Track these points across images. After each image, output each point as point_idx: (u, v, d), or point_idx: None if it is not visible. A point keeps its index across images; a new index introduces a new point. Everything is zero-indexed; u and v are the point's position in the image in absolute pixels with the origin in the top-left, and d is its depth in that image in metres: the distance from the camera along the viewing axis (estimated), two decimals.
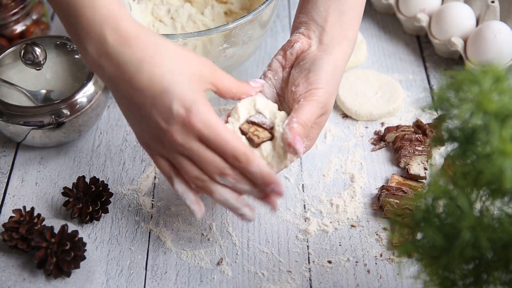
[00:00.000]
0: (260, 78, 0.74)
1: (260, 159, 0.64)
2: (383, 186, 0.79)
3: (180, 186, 0.66)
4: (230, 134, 0.63)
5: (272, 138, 0.69)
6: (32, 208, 0.72)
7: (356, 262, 0.73)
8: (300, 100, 0.68)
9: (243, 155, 0.63)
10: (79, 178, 0.77)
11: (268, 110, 0.70)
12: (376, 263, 0.73)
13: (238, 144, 0.63)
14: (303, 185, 0.81)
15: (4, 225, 0.71)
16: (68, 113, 0.81)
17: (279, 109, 0.72)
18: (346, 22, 0.72)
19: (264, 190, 0.65)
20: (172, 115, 0.61)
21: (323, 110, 0.69)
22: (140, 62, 0.61)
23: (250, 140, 0.68)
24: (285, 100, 0.73)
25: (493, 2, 0.90)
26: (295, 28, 0.75)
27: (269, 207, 0.66)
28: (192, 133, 0.62)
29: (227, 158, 0.63)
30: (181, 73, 0.62)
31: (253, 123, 0.69)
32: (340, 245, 0.75)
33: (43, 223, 0.72)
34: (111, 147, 0.86)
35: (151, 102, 0.62)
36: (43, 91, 0.83)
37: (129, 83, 0.62)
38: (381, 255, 0.74)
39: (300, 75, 0.71)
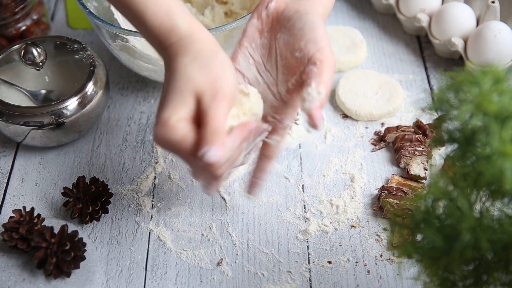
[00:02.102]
0: (235, 48, 0.70)
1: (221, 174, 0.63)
2: (383, 186, 0.79)
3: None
4: (188, 153, 0.61)
5: None
6: (32, 208, 0.72)
7: (356, 262, 0.73)
8: (316, 63, 0.65)
9: (206, 169, 0.62)
10: (79, 178, 0.77)
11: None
12: (376, 264, 0.73)
13: (198, 161, 0.61)
14: (303, 185, 0.81)
15: (4, 225, 0.71)
16: (68, 113, 0.81)
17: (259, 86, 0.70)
18: None
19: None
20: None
21: (333, 69, 0.67)
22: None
23: None
24: (266, 68, 0.70)
25: (493, 2, 0.90)
26: None
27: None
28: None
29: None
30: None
31: None
32: (340, 245, 0.75)
33: (43, 223, 0.72)
34: (111, 147, 0.86)
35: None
36: (43, 91, 0.83)
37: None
38: (381, 256, 0.74)
39: (295, 38, 0.66)
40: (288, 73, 0.69)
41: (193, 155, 0.61)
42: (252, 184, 0.75)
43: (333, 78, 0.90)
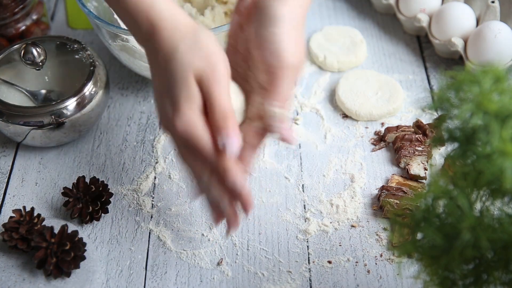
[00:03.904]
0: (225, 47, 0.69)
1: (236, 170, 0.62)
2: (383, 186, 0.79)
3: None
4: (207, 148, 0.61)
5: None
6: (32, 208, 0.72)
7: (356, 262, 0.73)
8: (269, 71, 0.63)
9: (220, 169, 0.62)
10: (79, 178, 0.77)
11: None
12: (376, 263, 0.73)
13: (216, 157, 0.62)
14: (303, 185, 0.81)
15: (4, 225, 0.71)
16: (68, 113, 0.81)
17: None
18: None
19: (233, 200, 0.65)
20: (160, 111, 0.63)
21: (297, 71, 0.64)
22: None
23: None
24: (253, 63, 0.66)
25: (493, 2, 0.90)
26: None
27: (230, 225, 0.67)
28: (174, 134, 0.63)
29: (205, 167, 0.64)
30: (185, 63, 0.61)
31: None
32: (340, 245, 0.75)
33: (43, 223, 0.72)
34: (111, 147, 0.86)
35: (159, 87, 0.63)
36: (43, 91, 0.83)
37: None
38: (381, 255, 0.74)
39: (255, 34, 0.64)
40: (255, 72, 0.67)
41: (212, 151, 0.61)
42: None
43: (332, 78, 0.91)
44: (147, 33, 0.64)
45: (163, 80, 0.63)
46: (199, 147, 0.62)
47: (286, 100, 0.64)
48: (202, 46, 0.62)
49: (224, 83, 0.62)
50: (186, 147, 0.63)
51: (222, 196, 0.65)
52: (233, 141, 0.60)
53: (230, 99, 0.62)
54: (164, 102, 0.63)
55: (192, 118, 0.61)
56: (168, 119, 0.62)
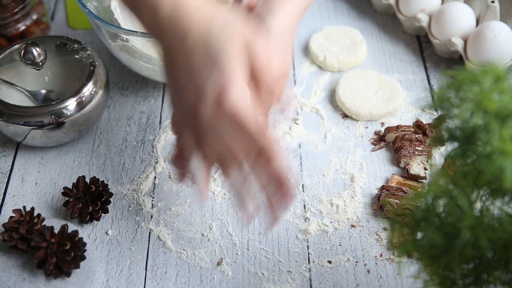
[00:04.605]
0: None
1: (280, 154, 0.60)
2: (383, 186, 0.79)
3: (197, 161, 0.62)
4: (257, 127, 0.59)
5: None
6: (32, 208, 0.72)
7: (356, 262, 0.73)
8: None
9: (267, 151, 0.60)
10: (79, 178, 0.77)
11: None
12: (376, 263, 0.73)
13: (264, 139, 0.60)
14: (303, 185, 0.81)
15: (4, 225, 0.71)
16: (68, 113, 0.81)
17: None
18: None
19: (275, 190, 0.62)
20: (205, 91, 0.58)
21: (277, 86, 0.63)
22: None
23: None
24: None
25: (493, 2, 0.90)
26: None
27: (271, 218, 0.65)
28: (221, 114, 0.59)
29: (251, 149, 0.60)
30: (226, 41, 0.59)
31: None
32: (340, 245, 0.75)
33: (43, 223, 0.72)
34: (111, 147, 0.86)
35: (189, 69, 0.59)
36: (43, 91, 0.83)
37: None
38: (381, 255, 0.74)
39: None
40: None
41: (259, 129, 0.59)
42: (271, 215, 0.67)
43: (332, 78, 0.91)
44: (170, 13, 0.60)
45: (197, 61, 0.59)
46: (245, 125, 0.58)
47: (265, 113, 0.63)
48: (237, 18, 0.60)
49: (273, 43, 0.60)
50: (223, 132, 0.59)
51: (265, 186, 0.62)
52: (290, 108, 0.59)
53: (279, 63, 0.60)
54: (199, 85, 0.59)
55: (246, 91, 0.58)
56: (204, 103, 0.58)
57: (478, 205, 0.51)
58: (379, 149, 0.85)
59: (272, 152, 0.61)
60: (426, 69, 0.94)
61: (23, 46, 0.81)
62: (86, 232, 0.76)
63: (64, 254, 0.69)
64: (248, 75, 0.59)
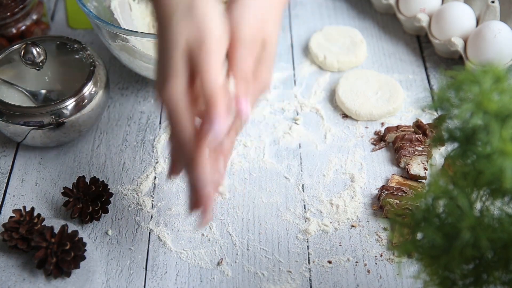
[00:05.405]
0: None
1: (206, 167, 0.60)
2: (383, 186, 0.79)
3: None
4: (185, 126, 0.59)
5: None
6: (32, 208, 0.72)
7: (356, 262, 0.73)
8: (230, 44, 0.61)
9: (192, 157, 0.60)
10: (79, 178, 0.77)
11: None
12: (376, 263, 0.73)
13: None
14: (303, 185, 0.81)
15: (4, 225, 0.71)
16: (68, 113, 0.81)
17: None
18: None
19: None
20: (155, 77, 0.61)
21: (255, 45, 0.62)
22: None
23: None
24: None
25: (493, 2, 0.90)
26: None
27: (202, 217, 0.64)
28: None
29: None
30: None
31: None
32: (340, 245, 0.75)
33: (43, 223, 0.72)
34: (111, 147, 0.86)
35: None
36: (43, 91, 0.83)
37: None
38: (381, 255, 0.74)
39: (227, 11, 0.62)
40: None
41: (190, 136, 0.59)
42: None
43: (332, 78, 0.91)
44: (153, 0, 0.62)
45: (158, 48, 0.61)
46: (178, 127, 0.59)
47: (245, 77, 0.61)
48: (197, 15, 0.59)
49: (214, 56, 0.58)
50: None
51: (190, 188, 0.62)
52: (216, 125, 0.57)
53: (221, 73, 0.59)
54: (157, 69, 0.61)
55: (174, 95, 0.58)
56: (157, 87, 0.60)
57: (478, 205, 0.51)
58: (379, 149, 0.85)
59: (196, 163, 0.60)
60: (426, 69, 0.94)
61: (23, 46, 0.81)
62: (86, 232, 0.76)
63: (64, 254, 0.69)
64: (187, 80, 0.59)
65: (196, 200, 0.62)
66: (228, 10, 0.63)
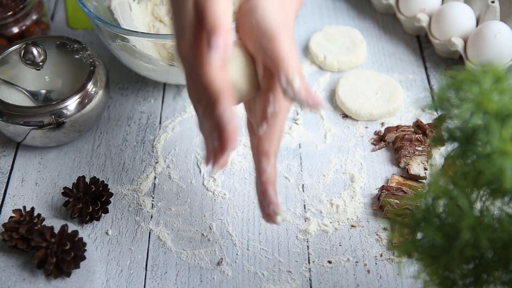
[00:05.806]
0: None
1: (228, 104, 0.59)
2: (383, 186, 0.79)
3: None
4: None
5: None
6: (32, 208, 0.72)
7: (356, 262, 0.73)
8: (267, 39, 0.61)
9: (213, 95, 0.59)
10: (79, 178, 0.77)
11: None
12: (376, 263, 0.73)
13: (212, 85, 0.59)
14: (303, 185, 0.81)
15: (4, 225, 0.71)
16: (68, 113, 0.81)
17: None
18: None
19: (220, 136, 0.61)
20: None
21: (285, 34, 0.62)
22: None
23: None
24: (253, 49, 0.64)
25: (493, 2, 0.90)
26: None
27: (214, 162, 0.62)
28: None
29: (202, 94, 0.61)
30: None
31: None
32: (340, 245, 0.75)
33: (43, 223, 0.72)
34: (111, 147, 0.86)
35: None
36: (43, 91, 0.83)
37: None
38: (381, 255, 0.74)
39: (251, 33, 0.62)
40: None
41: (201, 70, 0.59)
42: (266, 203, 0.66)
43: (332, 78, 0.90)
44: None
45: (171, 8, 0.63)
46: (194, 75, 0.60)
47: (293, 65, 0.60)
48: None
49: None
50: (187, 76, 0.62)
51: (212, 130, 0.61)
52: (218, 38, 0.57)
53: (225, 13, 0.59)
54: (173, 27, 0.63)
55: (186, 45, 0.60)
56: (175, 48, 0.62)
57: (478, 205, 0.51)
58: (379, 149, 0.85)
59: (218, 97, 0.59)
60: (426, 69, 0.94)
61: (23, 46, 0.81)
62: (86, 232, 0.76)
63: (64, 254, 0.69)
64: (195, 31, 0.60)
65: (223, 140, 0.60)
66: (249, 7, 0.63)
